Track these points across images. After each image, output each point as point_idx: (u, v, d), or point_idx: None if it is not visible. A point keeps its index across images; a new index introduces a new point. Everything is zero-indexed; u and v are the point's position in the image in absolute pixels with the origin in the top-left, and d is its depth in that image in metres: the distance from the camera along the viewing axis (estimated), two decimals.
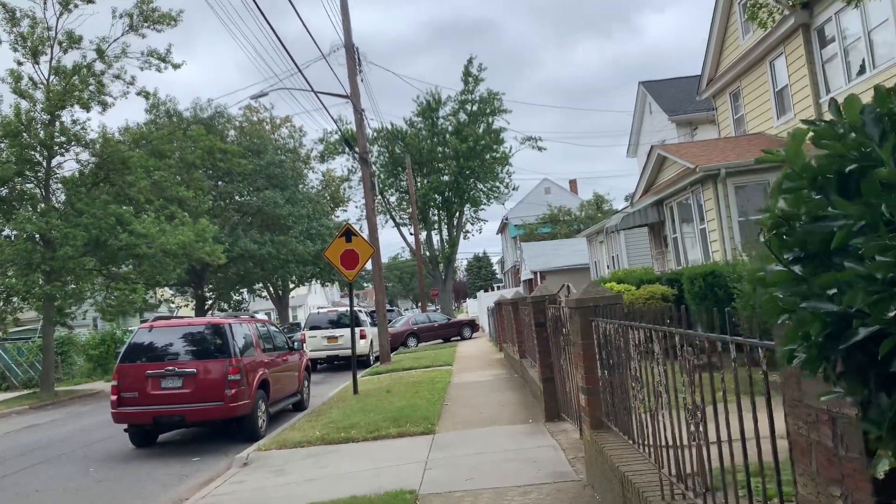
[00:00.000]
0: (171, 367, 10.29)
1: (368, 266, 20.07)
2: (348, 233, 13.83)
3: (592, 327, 5.57)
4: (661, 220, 18.91)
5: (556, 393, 8.84)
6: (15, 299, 23.69)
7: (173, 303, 49.88)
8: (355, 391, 13.77)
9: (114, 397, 10.40)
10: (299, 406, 13.82)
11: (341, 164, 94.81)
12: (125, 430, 10.79)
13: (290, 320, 53.88)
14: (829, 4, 14.14)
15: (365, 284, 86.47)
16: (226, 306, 39.70)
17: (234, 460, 9.02)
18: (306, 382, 14.39)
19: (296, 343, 13.85)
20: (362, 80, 20.93)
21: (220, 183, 35.09)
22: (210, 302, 38.72)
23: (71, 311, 24.82)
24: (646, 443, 4.54)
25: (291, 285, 50.54)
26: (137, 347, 10.64)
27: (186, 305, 42.49)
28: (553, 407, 8.88)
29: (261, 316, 57.25)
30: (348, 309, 25.44)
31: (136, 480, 8.80)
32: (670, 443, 3.91)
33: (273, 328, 13.34)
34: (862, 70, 13.54)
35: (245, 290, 46.16)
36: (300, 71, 18.14)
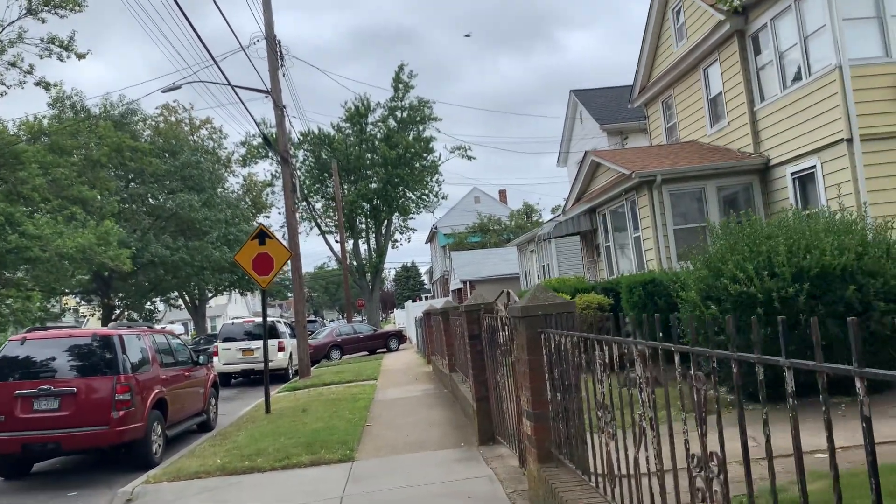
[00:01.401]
0: (45, 386, 8.82)
1: (289, 274, 18.74)
2: (262, 234, 12.55)
3: (542, 340, 4.66)
4: (594, 229, 18.43)
5: (490, 413, 7.92)
6: None
7: (78, 312, 46.62)
8: (267, 410, 12.49)
9: None
10: (205, 427, 12.43)
11: (264, 169, 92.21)
12: None
13: (209, 331, 51.27)
14: (765, 10, 13.94)
15: (288, 294, 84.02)
16: (136, 316, 37.16)
17: (115, 496, 7.68)
18: (213, 400, 13.01)
19: (201, 357, 12.43)
20: (284, 76, 19.67)
21: (130, 184, 32.78)
22: (118, 311, 36.13)
23: None
24: (612, 485, 3.65)
25: (209, 294, 48.15)
26: (6, 363, 9.09)
27: (93, 315, 39.63)
28: (487, 429, 7.96)
29: (176, 327, 54.57)
30: (269, 320, 24.00)
31: None
32: (652, 489, 3.02)
33: (175, 340, 11.93)
34: (798, 77, 13.35)
35: (158, 299, 43.56)
36: (216, 62, 16.77)
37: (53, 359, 9.13)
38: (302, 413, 11.85)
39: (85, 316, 45.06)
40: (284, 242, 16.43)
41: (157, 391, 9.86)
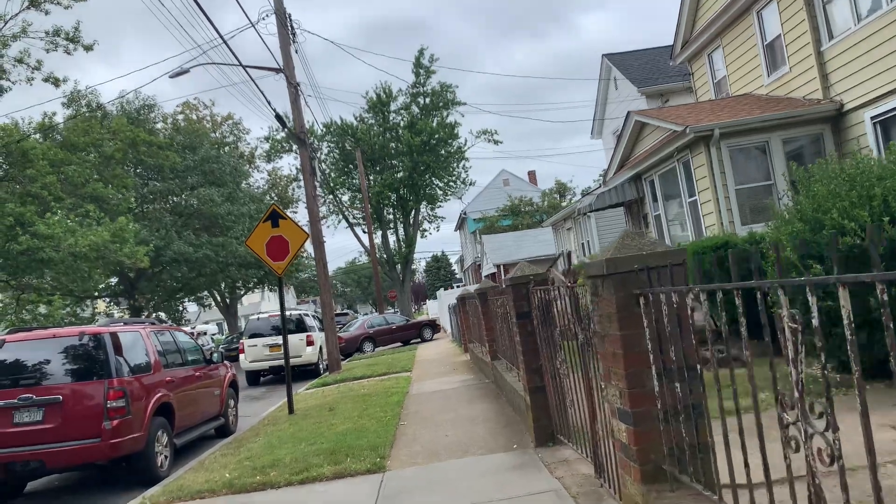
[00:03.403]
0: (27, 395, 7.61)
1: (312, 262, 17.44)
2: (275, 215, 11.20)
3: (642, 306, 3.20)
4: (640, 197, 16.81)
5: (548, 407, 6.49)
6: None
7: (112, 315, 46.31)
8: (290, 410, 11.21)
9: None
10: (224, 431, 11.22)
11: (289, 164, 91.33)
12: None
13: (241, 329, 50.55)
14: None
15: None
16: (164, 316, 36.41)
17: None
18: (232, 402, 11.78)
19: (215, 355, 11.18)
20: (297, 52, 18.33)
21: (150, 181, 31.86)
22: (146, 313, 35.41)
23: None
24: None
25: (240, 292, 47.37)
26: None
27: (122, 317, 39.05)
28: (545, 427, 6.53)
29: (210, 327, 53.91)
30: (294, 312, 22.83)
31: None
32: None
33: (183, 337, 10.69)
34: (875, 6, 11.59)
35: (187, 299, 42.85)
36: (224, 41, 15.48)
37: (36, 363, 7.92)
38: (328, 412, 10.54)
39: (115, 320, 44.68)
40: (305, 228, 15.17)
41: (160, 395, 8.61)
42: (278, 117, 16.32)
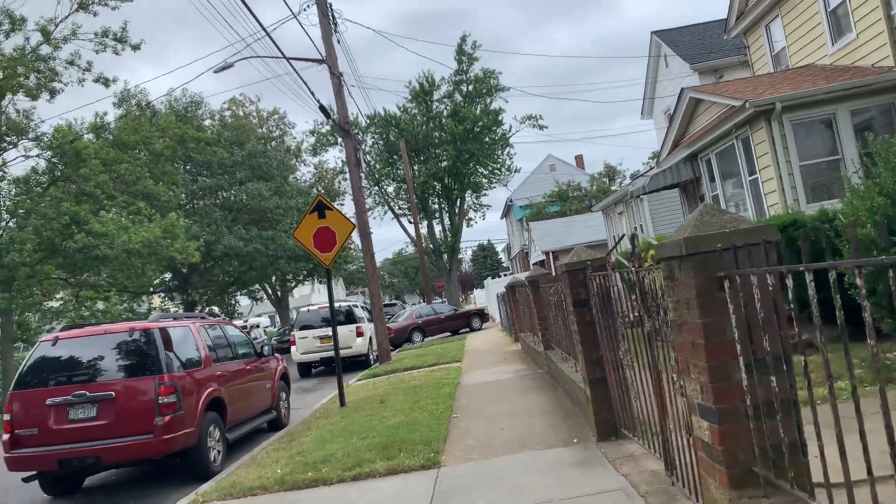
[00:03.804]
0: (80, 392, 7.61)
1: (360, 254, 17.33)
2: (321, 206, 11.05)
3: (727, 290, 2.84)
4: (696, 177, 16.14)
5: (610, 399, 6.14)
6: None
7: (169, 311, 47.47)
8: (342, 403, 11.09)
9: (6, 436, 7.73)
10: (276, 424, 11.17)
11: (334, 157, 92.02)
12: (24, 480, 8.08)
13: (292, 322, 51.22)
14: None
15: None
16: (217, 310, 37.04)
17: None
18: (283, 395, 11.72)
19: (265, 348, 11.11)
20: (338, 42, 18.17)
21: (199, 178, 32.32)
22: (199, 307, 36.06)
23: (37, 326, 22.21)
24: None
25: (291, 284, 47.89)
26: (38, 368, 7.96)
27: (176, 311, 39.91)
28: (607, 419, 6.18)
29: (262, 320, 54.73)
30: (344, 304, 22.83)
31: None
32: None
33: (233, 331, 10.64)
34: None
35: (239, 293, 43.52)
36: (267, 34, 15.45)
37: (90, 360, 7.92)
38: (380, 405, 10.37)
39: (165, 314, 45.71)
40: (352, 218, 15.02)
41: (211, 390, 8.55)
42: (322, 108, 16.20)
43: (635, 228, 18.29)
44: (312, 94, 17.93)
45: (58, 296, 24.59)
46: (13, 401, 7.80)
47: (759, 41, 17.29)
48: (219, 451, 8.56)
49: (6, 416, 7.78)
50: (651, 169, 19.72)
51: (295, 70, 16.64)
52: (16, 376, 8.09)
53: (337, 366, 11.71)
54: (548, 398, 8.79)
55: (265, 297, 47.44)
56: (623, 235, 7.35)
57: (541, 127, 46.05)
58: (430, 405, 9.39)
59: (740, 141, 13.53)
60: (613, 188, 40.50)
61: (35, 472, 7.99)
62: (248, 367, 10.18)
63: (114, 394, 7.58)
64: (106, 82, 23.16)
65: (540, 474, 5.50)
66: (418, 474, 6.12)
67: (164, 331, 8.15)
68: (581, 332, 6.26)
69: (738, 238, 2.79)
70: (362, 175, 20.15)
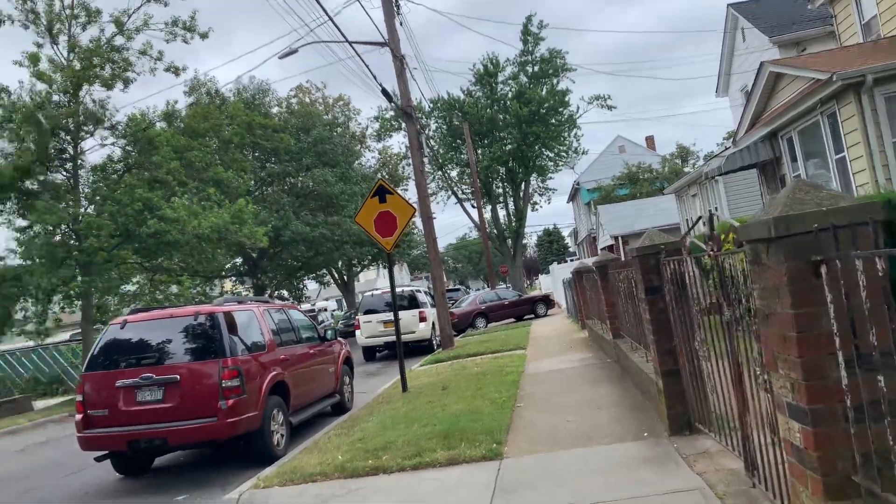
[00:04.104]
0: (147, 375, 7.73)
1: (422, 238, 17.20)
2: (382, 190, 10.94)
3: (824, 276, 2.49)
4: (776, 157, 15.27)
5: (683, 393, 5.77)
6: (56, 298, 21.98)
7: (236, 294, 48.91)
8: (404, 388, 11.00)
9: (79, 416, 7.94)
10: (340, 408, 11.20)
11: (398, 142, 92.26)
12: (96, 460, 8.30)
13: (358, 305, 51.89)
14: None
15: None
16: (286, 294, 37.83)
17: None
18: (347, 379, 11.73)
19: (328, 332, 11.11)
20: (401, 24, 17.98)
21: (266, 165, 32.92)
22: (269, 291, 36.90)
23: (116, 308, 23.10)
24: None
25: (356, 269, 48.48)
26: (108, 350, 8.13)
27: (247, 296, 40.99)
28: (680, 413, 5.82)
29: (330, 304, 55.71)
30: (407, 289, 22.84)
31: None
32: None
33: (297, 315, 10.68)
34: None
35: (307, 277, 44.31)
36: (330, 18, 15.38)
37: (156, 343, 8.05)
38: (442, 392, 10.22)
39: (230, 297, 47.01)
40: (414, 204, 14.91)
41: (275, 374, 8.57)
42: (384, 92, 16.09)
43: (714, 209, 17.52)
44: (374, 77, 17.91)
45: (134, 280, 25.53)
46: (85, 382, 8.00)
47: (846, 9, 16.15)
48: (282, 435, 8.59)
49: (79, 397, 7.99)
50: (727, 149, 18.82)
51: (357, 53, 16.64)
52: (87, 358, 8.30)
53: (399, 351, 11.63)
54: (616, 389, 8.44)
55: (332, 281, 48.18)
56: (700, 217, 6.84)
57: (609, 107, 44.89)
58: (493, 393, 9.17)
59: (825, 117, 12.67)
60: (686, 170, 39.07)
61: (106, 452, 8.19)
62: (311, 351, 10.20)
63: (179, 377, 7.67)
64: (176, 71, 23.68)
65: (609, 470, 5.20)
66: (480, 465, 5.92)
67: (228, 315, 8.19)
68: (653, 320, 5.90)
69: (839, 217, 2.43)
70: (425, 159, 20.00)
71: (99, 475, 8.73)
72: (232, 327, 8.11)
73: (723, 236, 5.89)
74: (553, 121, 44.57)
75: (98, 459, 8.27)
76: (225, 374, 7.64)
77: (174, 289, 24.88)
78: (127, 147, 21.28)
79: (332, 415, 11.01)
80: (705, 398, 5.47)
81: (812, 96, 12.38)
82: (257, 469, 7.72)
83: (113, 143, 21.53)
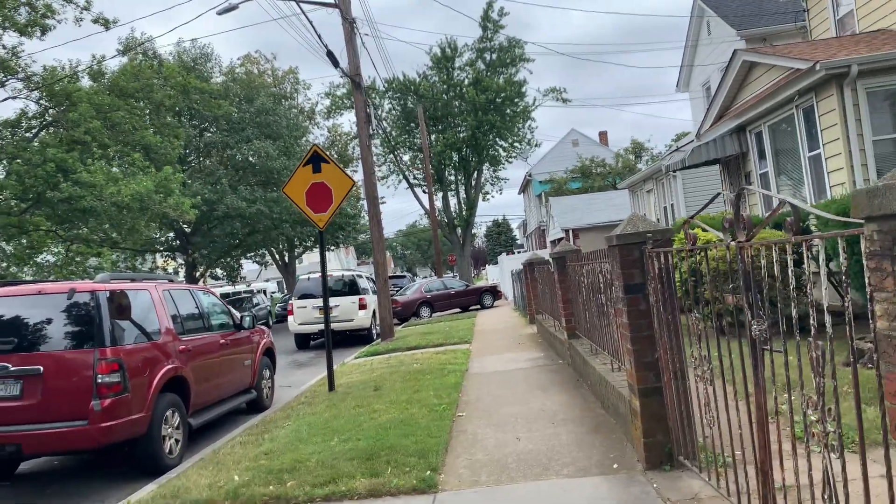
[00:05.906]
0: (2, 365, 6.21)
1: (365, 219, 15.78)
2: (316, 158, 9.51)
3: None
4: (743, 153, 14.45)
5: (666, 417, 4.64)
6: None
7: (167, 270, 46.56)
8: (330, 387, 9.67)
9: None
10: (256, 406, 9.81)
11: (349, 120, 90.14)
12: None
13: None
14: None
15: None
16: (220, 273, 35.81)
17: None
18: (267, 372, 10.33)
19: (246, 319, 9.66)
20: None
21: (205, 133, 30.80)
22: (201, 269, 34.80)
23: (33, 280, 20.98)
24: None
25: (299, 251, 46.59)
26: None
27: (177, 273, 38.71)
28: (660, 443, 4.69)
29: (270, 286, 53.87)
30: (347, 273, 21.41)
31: None
32: None
33: (209, 298, 9.21)
34: None
35: (245, 256, 42.24)
36: None
37: (18, 325, 6.51)
38: (373, 392, 8.95)
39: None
40: (360, 182, 13.55)
41: (170, 367, 7.14)
42: (330, 54, 14.59)
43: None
44: (320, 37, 16.33)
45: (54, 250, 23.38)
46: None
47: (820, 4, 15.42)
48: (177, 440, 7.18)
49: None
50: (690, 142, 18.01)
51: (303, 12, 14.99)
52: None
53: (328, 344, 10.24)
54: (574, 399, 7.30)
55: (272, 261, 46.21)
56: (717, 194, 5.94)
57: (564, 101, 44.14)
58: (431, 398, 7.94)
59: (801, 111, 11.83)
60: (640, 166, 38.58)
61: None
62: (223, 341, 8.77)
63: (42, 369, 6.18)
64: (105, 24, 21.58)
65: None
66: (408, 500, 4.68)
67: (113, 294, 6.72)
68: (632, 325, 4.75)
69: None
70: (377, 140, 18.55)
71: None
72: (117, 310, 6.64)
73: (680, 234, 4.81)
74: (508, 111, 43.65)
75: None
76: (101, 367, 6.19)
77: (93, 262, 22.87)
78: (41, 101, 19.18)
79: (247, 412, 9.64)
80: (690, 425, 4.36)
81: (789, 87, 11.50)
82: (141, 482, 6.35)
83: (26, 97, 19.38)
